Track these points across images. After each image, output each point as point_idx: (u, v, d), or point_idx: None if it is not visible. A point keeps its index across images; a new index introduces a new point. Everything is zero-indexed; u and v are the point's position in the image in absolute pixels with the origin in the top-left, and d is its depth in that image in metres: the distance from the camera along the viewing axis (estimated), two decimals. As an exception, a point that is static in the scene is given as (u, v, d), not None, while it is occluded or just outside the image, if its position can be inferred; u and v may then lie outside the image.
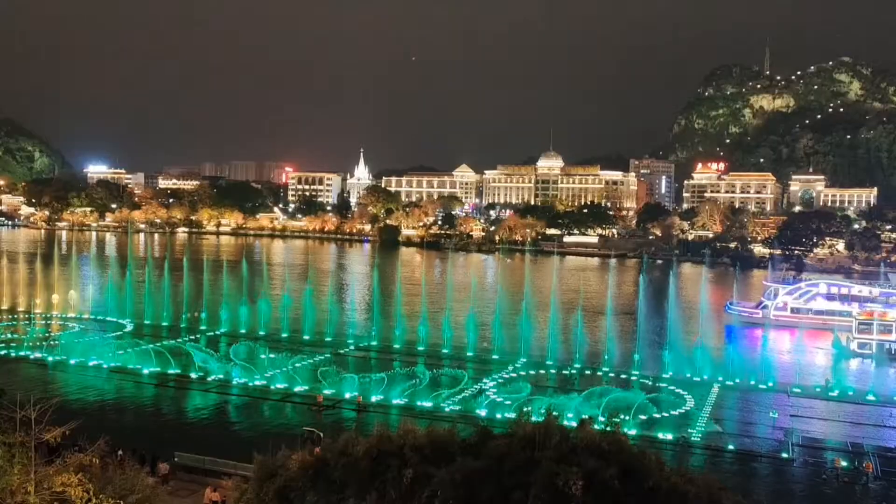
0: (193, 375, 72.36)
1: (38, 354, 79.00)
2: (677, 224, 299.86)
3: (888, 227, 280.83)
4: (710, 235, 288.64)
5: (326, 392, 67.23)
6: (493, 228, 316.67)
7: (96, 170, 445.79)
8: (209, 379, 71.58)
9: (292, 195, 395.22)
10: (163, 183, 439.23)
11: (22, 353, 79.86)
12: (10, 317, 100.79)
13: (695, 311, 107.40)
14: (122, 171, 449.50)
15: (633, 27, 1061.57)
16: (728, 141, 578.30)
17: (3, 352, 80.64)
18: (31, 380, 71.28)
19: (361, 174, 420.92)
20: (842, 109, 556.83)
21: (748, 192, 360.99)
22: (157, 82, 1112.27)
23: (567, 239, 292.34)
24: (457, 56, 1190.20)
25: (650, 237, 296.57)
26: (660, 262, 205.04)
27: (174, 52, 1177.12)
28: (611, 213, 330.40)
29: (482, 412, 61.37)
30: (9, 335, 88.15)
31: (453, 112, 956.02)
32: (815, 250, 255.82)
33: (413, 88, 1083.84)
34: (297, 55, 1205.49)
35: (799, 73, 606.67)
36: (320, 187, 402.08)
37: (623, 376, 77.24)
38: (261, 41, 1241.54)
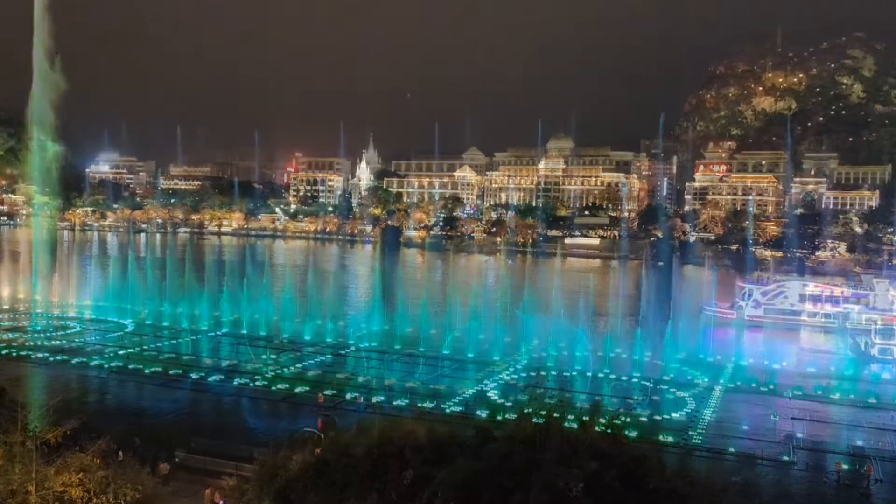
0: (194, 376, 72.40)
1: (39, 354, 79.05)
2: (679, 226, 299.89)
3: (890, 229, 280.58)
4: (712, 237, 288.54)
5: (327, 392, 67.28)
6: (494, 230, 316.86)
7: (98, 169, 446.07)
8: (210, 379, 71.63)
9: (293, 195, 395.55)
10: (165, 183, 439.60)
11: (23, 353, 79.91)
12: (11, 316, 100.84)
13: (694, 314, 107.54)
14: (124, 170, 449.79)
15: (632, 25, 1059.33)
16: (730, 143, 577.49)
17: (4, 351, 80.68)
18: (33, 379, 71.31)
19: (370, 157, 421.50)
20: (844, 112, 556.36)
21: (750, 195, 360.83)
22: (159, 82, 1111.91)
23: (568, 240, 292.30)
24: (458, 55, 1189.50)
25: (651, 239, 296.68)
26: (661, 263, 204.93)
27: (177, 53, 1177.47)
28: (612, 214, 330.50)
29: (483, 413, 61.34)
30: (10, 335, 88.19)
31: (457, 105, 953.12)
32: (816, 252, 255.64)
33: (416, 80, 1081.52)
34: (300, 49, 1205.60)
35: (803, 69, 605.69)
36: (322, 188, 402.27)
37: (624, 378, 77.21)
38: (263, 39, 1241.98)
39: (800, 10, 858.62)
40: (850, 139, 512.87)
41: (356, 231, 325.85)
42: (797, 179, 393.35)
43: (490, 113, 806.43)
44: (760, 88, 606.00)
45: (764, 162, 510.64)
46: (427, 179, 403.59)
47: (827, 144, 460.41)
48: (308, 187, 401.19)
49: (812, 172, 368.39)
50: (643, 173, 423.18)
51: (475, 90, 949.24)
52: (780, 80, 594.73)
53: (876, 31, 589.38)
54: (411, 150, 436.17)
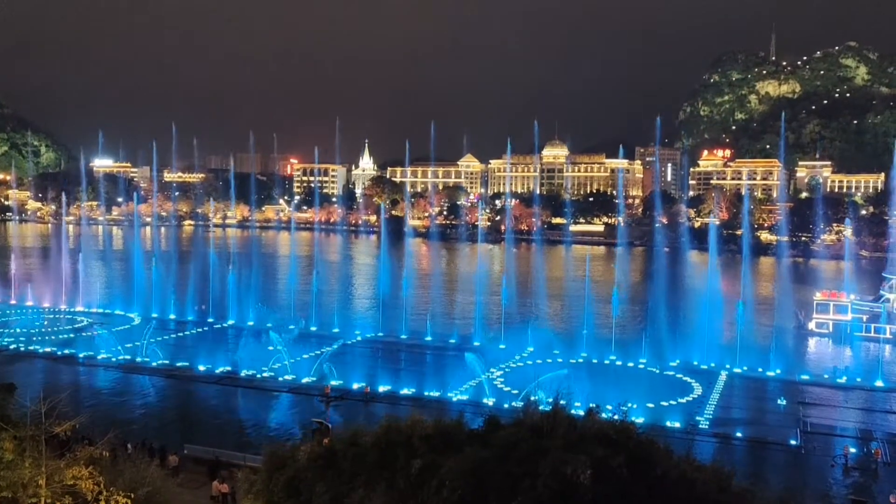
0: (201, 367, 72.63)
1: (47, 349, 79.36)
2: (683, 212, 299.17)
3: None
4: (717, 223, 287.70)
5: (334, 383, 67.45)
6: (498, 218, 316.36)
7: (102, 164, 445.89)
8: (217, 371, 71.85)
9: (298, 187, 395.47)
10: (168, 176, 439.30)
11: (31, 348, 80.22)
12: (18, 312, 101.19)
13: (702, 299, 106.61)
14: (128, 164, 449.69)
15: (636, 14, 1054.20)
16: (734, 127, 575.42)
17: (12, 346, 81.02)
18: (41, 374, 71.67)
19: (366, 165, 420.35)
20: (848, 94, 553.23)
21: (754, 179, 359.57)
22: (161, 78, 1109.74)
23: (572, 228, 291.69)
24: (456, 50, 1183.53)
25: (657, 224, 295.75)
26: (666, 249, 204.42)
27: (177, 47, 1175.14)
28: (616, 201, 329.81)
29: (489, 401, 61.47)
30: (18, 329, 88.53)
31: (456, 103, 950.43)
32: (822, 236, 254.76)
33: (414, 80, 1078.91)
34: (301, 48, 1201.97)
35: (805, 58, 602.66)
36: (325, 179, 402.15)
37: (630, 364, 77.23)
38: (263, 35, 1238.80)
39: (794, 21, 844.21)
40: (855, 122, 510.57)
41: (360, 221, 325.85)
42: (802, 164, 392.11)
43: (485, 120, 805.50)
44: (765, 72, 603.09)
45: (769, 146, 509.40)
46: (431, 169, 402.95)
47: (821, 152, 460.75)
48: (312, 178, 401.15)
49: (806, 181, 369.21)
50: (647, 159, 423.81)
51: (470, 97, 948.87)
52: (774, 87, 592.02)
53: (869, 39, 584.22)
54: (405, 156, 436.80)
